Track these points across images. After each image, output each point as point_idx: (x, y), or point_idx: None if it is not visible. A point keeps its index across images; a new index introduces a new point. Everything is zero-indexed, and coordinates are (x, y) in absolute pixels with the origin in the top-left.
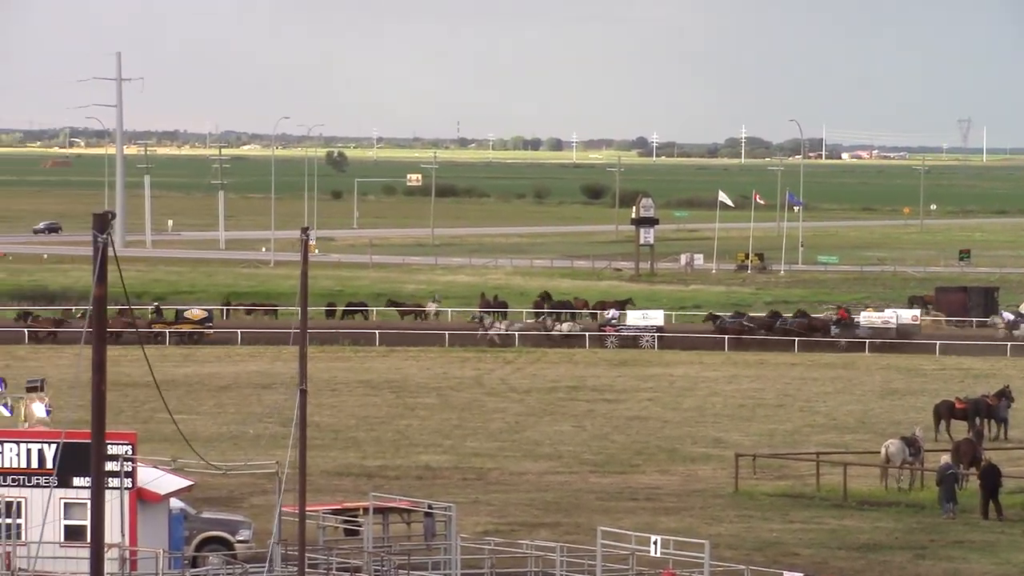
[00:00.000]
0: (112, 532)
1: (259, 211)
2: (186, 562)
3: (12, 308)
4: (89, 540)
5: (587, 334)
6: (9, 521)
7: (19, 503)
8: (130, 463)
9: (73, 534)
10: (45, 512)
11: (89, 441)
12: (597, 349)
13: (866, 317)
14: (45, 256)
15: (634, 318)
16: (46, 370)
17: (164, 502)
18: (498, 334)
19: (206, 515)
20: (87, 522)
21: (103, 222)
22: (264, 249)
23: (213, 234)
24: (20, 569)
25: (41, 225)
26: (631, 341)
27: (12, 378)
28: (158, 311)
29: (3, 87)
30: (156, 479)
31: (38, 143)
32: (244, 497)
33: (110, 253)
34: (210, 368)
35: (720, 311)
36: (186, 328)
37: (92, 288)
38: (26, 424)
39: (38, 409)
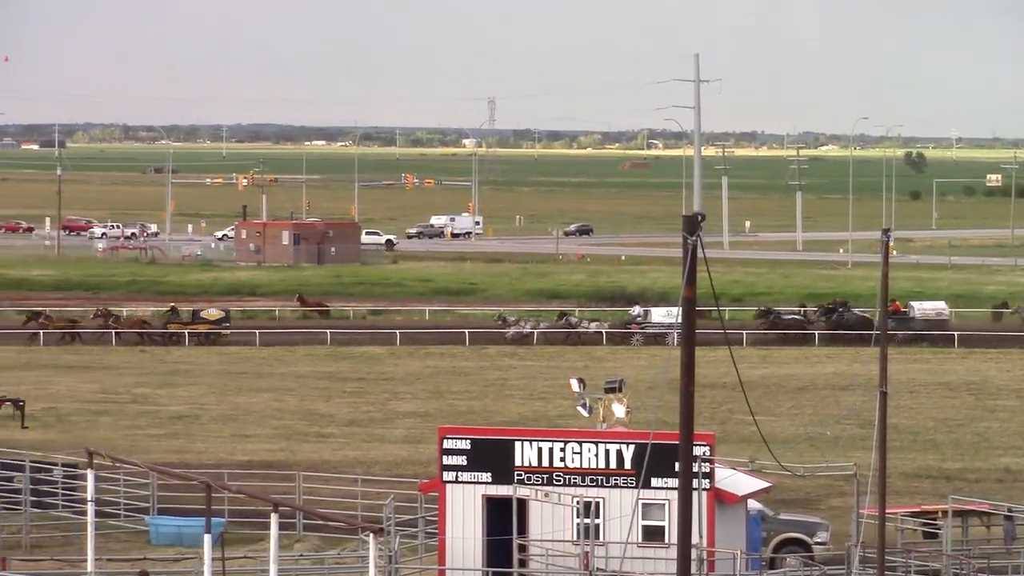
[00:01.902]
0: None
1: (836, 212)
2: (764, 563)
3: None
4: (672, 541)
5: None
6: (588, 521)
7: (597, 503)
8: (708, 464)
9: (651, 535)
10: (626, 513)
11: (668, 442)
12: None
13: (919, 309)
14: (623, 257)
15: (659, 315)
16: (624, 371)
17: (742, 503)
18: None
19: (784, 516)
20: (665, 523)
21: (692, 224)
22: (841, 251)
23: (790, 235)
24: (598, 569)
25: (572, 227)
26: (654, 339)
27: (591, 379)
28: (174, 311)
29: (583, 89)
30: (734, 480)
31: (617, 145)
32: (821, 499)
33: (700, 255)
34: (787, 370)
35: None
36: (203, 328)
37: (682, 289)
38: (604, 425)
39: (617, 410)
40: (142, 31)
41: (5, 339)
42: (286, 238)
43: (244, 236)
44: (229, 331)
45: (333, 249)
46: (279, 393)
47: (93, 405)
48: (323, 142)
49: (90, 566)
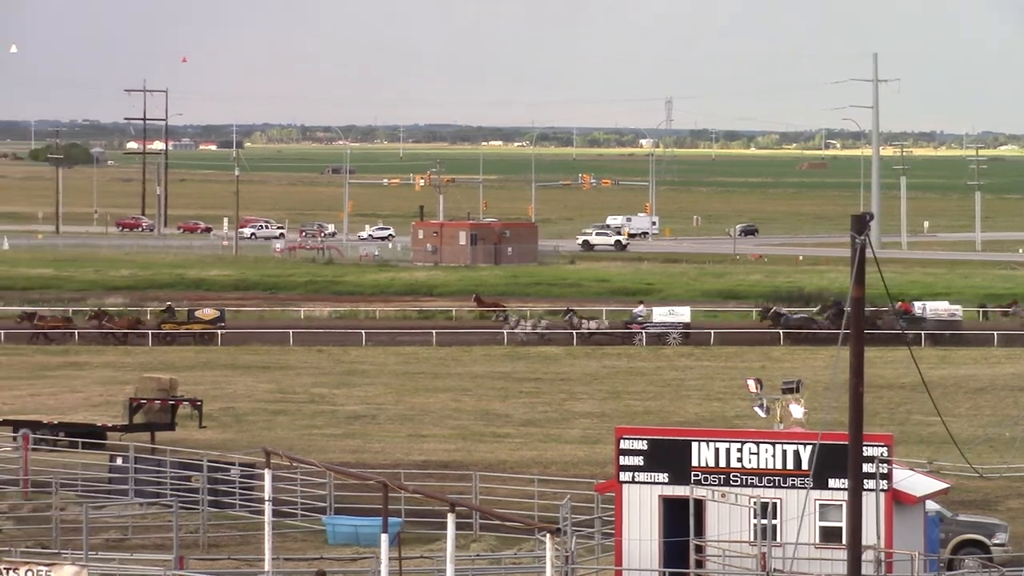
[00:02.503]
0: (868, 534)
1: (1016, 212)
2: (941, 565)
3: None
4: (846, 542)
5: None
6: (765, 522)
7: (774, 504)
8: (886, 465)
9: (828, 536)
10: (800, 513)
11: (845, 443)
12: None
13: (932, 309)
14: (800, 258)
15: (660, 315)
16: (801, 371)
17: (919, 504)
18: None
19: (962, 518)
20: (842, 524)
21: (861, 223)
22: (1021, 251)
23: (969, 235)
24: (775, 570)
25: (738, 228)
26: (656, 338)
27: (768, 380)
28: (170, 311)
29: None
30: (912, 481)
31: (794, 145)
32: (1000, 500)
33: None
34: (966, 370)
35: None
36: (197, 328)
37: (850, 289)
38: (781, 425)
39: (795, 411)
40: (320, 32)
41: (184, 339)
42: (463, 238)
43: (421, 236)
44: (223, 331)
45: (510, 249)
46: (456, 393)
47: (270, 405)
48: (500, 142)
49: (267, 565)
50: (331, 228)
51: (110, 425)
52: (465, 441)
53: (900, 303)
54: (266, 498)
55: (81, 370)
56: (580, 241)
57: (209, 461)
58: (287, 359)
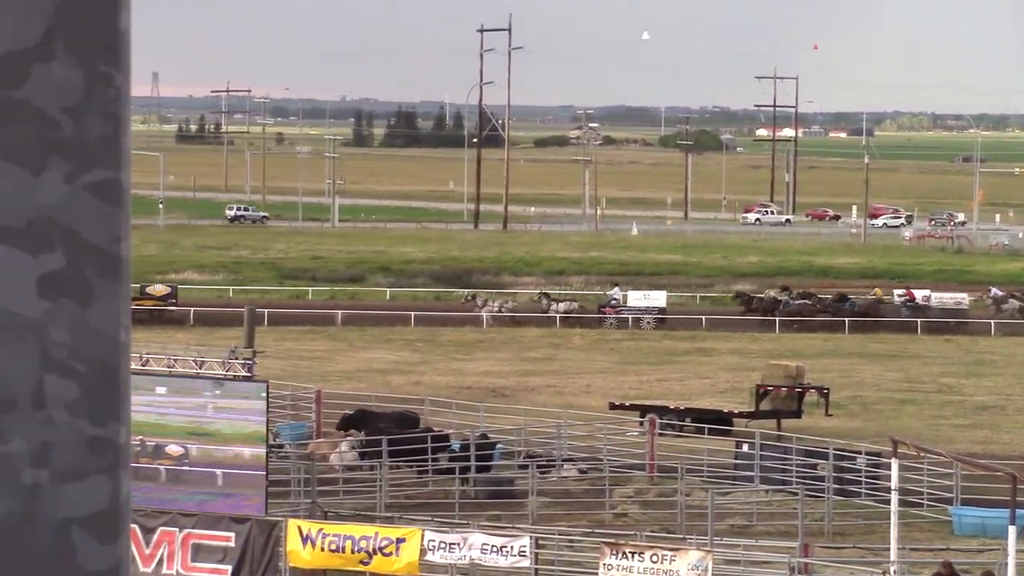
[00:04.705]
0: None
1: None
2: None
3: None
4: None
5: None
6: None
7: None
8: None
9: None
10: None
11: None
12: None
13: (937, 298)
14: None
15: (635, 299)
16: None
17: None
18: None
19: None
20: None
21: None
22: None
23: None
24: None
25: None
26: (631, 323)
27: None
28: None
29: None
30: None
31: None
32: None
33: None
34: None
35: None
36: (147, 304)
37: None
38: None
39: None
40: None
41: (809, 327)
42: None
43: None
44: (175, 308)
45: None
46: None
47: (898, 394)
48: None
49: (892, 555)
50: (961, 217)
51: (736, 412)
52: None
53: (906, 291)
54: (892, 487)
55: (708, 356)
56: None
57: (835, 449)
58: (914, 348)
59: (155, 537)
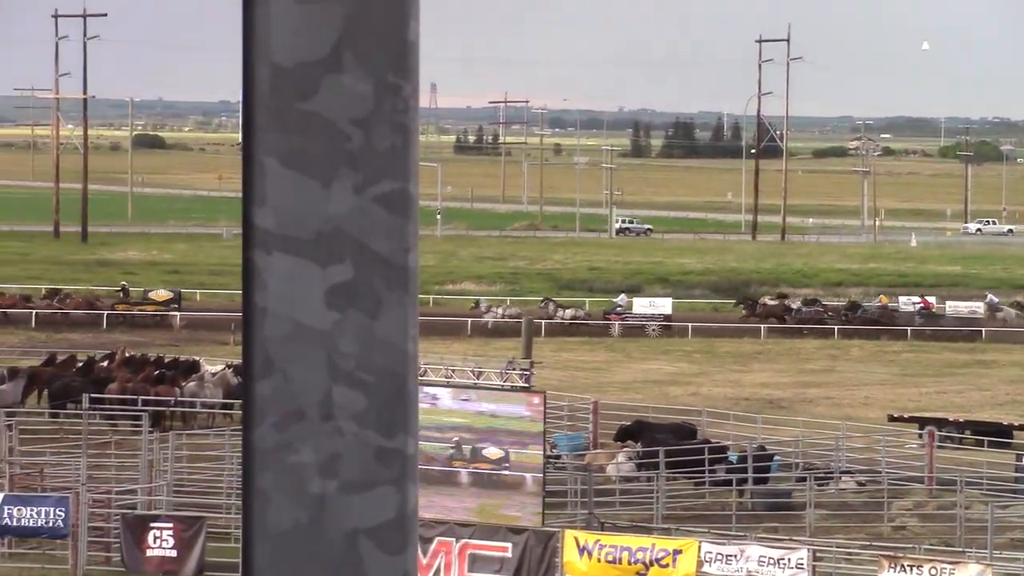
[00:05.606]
0: None
1: None
2: None
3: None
4: None
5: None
6: None
7: None
8: None
9: None
10: None
11: None
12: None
13: (952, 307)
14: None
15: (641, 306)
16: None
17: None
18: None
19: None
20: None
21: None
22: None
23: None
24: None
25: None
26: (636, 329)
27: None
28: (124, 291)
29: None
30: None
31: None
32: None
33: None
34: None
35: None
36: (149, 310)
37: None
38: None
39: None
40: None
41: None
42: None
43: None
44: (178, 313)
45: None
46: None
47: None
48: None
49: None
50: None
51: (1017, 424)
52: None
53: (921, 299)
54: None
55: (988, 368)
56: None
57: None
58: None
59: (432, 547)
